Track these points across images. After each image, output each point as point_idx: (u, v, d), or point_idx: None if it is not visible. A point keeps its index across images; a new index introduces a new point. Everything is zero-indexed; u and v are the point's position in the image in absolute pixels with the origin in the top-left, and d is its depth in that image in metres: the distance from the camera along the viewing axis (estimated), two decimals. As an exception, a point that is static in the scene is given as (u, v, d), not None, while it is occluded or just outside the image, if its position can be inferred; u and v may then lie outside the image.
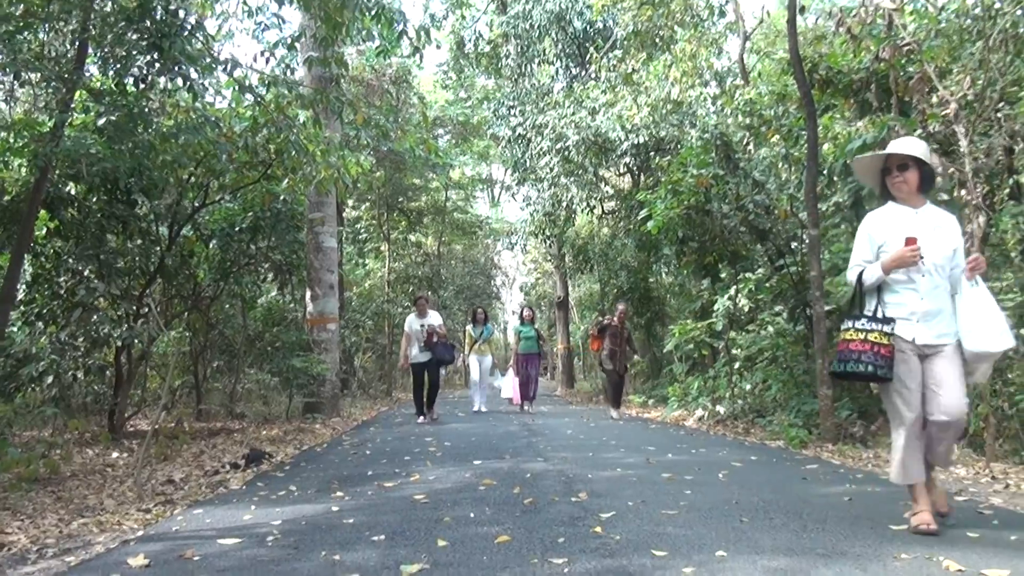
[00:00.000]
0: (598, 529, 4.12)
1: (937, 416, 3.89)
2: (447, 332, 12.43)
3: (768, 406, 10.65)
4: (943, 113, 7.72)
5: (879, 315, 4.03)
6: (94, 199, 9.50)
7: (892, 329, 3.96)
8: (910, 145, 4.14)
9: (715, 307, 12.61)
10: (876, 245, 4.12)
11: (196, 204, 10.55)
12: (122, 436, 9.44)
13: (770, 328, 11.50)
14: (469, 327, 14.79)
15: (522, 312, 15.25)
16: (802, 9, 9.83)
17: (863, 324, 4.02)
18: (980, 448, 7.02)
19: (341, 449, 8.76)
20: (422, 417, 12.11)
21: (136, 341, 9.57)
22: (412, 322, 12.29)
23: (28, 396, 9.04)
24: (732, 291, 12.20)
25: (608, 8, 15.09)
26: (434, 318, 12.33)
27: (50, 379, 8.74)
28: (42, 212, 8.95)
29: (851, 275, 4.21)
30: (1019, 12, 7.90)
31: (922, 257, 3.92)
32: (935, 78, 7.75)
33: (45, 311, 9.57)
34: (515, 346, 14.63)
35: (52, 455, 7.20)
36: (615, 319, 12.83)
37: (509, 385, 14.96)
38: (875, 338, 3.95)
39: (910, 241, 3.92)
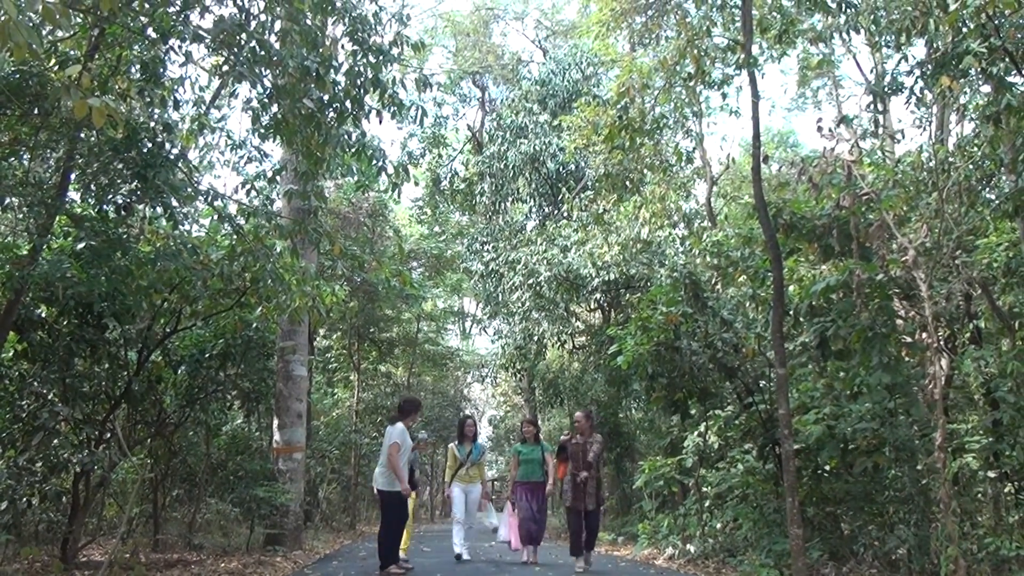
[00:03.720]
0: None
1: None
2: (416, 460, 10.70)
3: (739, 545, 10.51)
4: (903, 259, 8.01)
5: None
6: (64, 322, 9.47)
7: None
8: None
9: (685, 444, 12.59)
10: None
11: (167, 330, 10.53)
12: (74, 566, 9.10)
13: (740, 466, 11.47)
14: (453, 445, 11.57)
15: (522, 427, 11.43)
16: (766, 158, 10.27)
17: None
18: (951, 593, 6.96)
19: (302, 585, 8.48)
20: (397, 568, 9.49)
21: (96, 467, 9.35)
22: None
23: (-22, 523, 8.72)
24: (702, 428, 12.22)
25: (580, 151, 15.65)
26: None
27: (4, 505, 8.47)
28: (11, 334, 8.88)
29: None
30: (970, 166, 8.36)
31: None
32: (893, 226, 8.08)
33: (4, 434, 9.36)
34: (513, 472, 10.97)
35: (0, 586, 6.93)
36: (575, 434, 10.25)
37: (506, 524, 11.28)
38: None
39: None
